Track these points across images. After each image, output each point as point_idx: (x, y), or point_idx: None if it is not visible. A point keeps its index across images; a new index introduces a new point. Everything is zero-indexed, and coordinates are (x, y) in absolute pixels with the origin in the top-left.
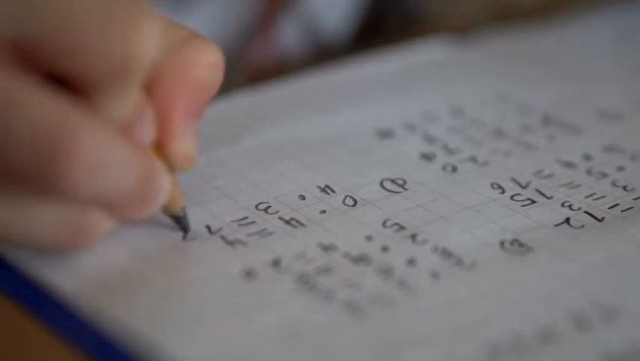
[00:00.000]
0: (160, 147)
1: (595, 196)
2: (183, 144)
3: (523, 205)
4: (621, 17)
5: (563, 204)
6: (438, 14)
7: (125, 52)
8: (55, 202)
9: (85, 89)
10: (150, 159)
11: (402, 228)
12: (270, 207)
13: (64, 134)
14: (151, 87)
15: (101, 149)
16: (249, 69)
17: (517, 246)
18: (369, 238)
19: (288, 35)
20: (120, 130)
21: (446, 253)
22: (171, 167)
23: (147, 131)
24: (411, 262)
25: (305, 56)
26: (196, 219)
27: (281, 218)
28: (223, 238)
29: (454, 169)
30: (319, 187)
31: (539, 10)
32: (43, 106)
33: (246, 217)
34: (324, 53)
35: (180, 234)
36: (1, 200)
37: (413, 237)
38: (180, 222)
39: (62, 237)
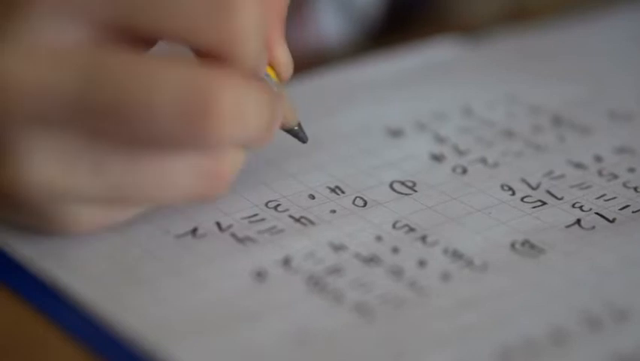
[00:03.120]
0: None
1: (606, 197)
2: (284, 54)
3: (533, 207)
4: (632, 18)
5: (573, 206)
6: (449, 13)
7: (233, 23)
8: (189, 155)
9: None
10: (273, 89)
11: (412, 229)
12: (279, 205)
13: (206, 94)
14: None
15: (240, 99)
16: None
17: (528, 247)
18: (379, 238)
19: (324, 14)
20: (245, 74)
21: (457, 255)
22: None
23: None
24: (421, 263)
25: (342, 38)
26: (206, 217)
27: (291, 216)
28: (233, 235)
29: (464, 171)
30: (329, 188)
31: (550, 9)
32: (179, 73)
33: (256, 214)
34: (361, 34)
35: (189, 229)
36: (132, 164)
37: (423, 238)
38: (297, 136)
39: (200, 187)
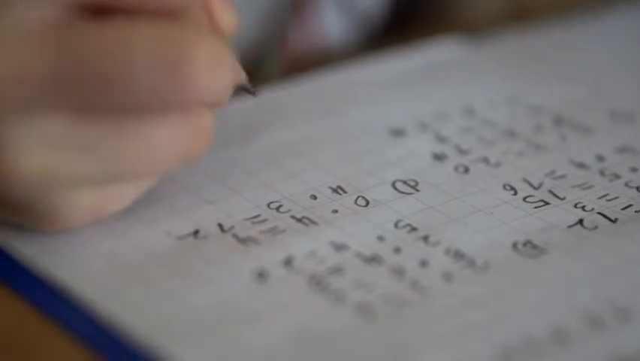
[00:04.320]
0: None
1: (608, 197)
2: (226, 15)
3: (535, 207)
4: (632, 18)
5: (575, 206)
6: (451, 13)
7: None
8: (172, 118)
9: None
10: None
11: (414, 229)
12: (281, 205)
13: (182, 45)
14: None
15: (214, 50)
16: (289, 55)
17: (530, 248)
18: (381, 238)
19: (327, 15)
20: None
21: (459, 255)
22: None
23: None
24: (423, 263)
25: (345, 38)
26: (208, 218)
27: (293, 216)
28: (235, 236)
29: (466, 170)
30: (331, 188)
31: (551, 10)
32: (152, 29)
33: (258, 215)
34: (363, 35)
35: (191, 231)
36: (119, 136)
37: (425, 238)
38: (248, 90)
39: (185, 148)
